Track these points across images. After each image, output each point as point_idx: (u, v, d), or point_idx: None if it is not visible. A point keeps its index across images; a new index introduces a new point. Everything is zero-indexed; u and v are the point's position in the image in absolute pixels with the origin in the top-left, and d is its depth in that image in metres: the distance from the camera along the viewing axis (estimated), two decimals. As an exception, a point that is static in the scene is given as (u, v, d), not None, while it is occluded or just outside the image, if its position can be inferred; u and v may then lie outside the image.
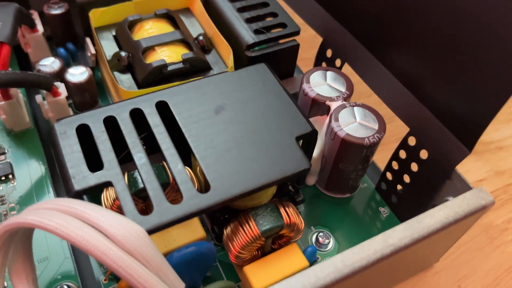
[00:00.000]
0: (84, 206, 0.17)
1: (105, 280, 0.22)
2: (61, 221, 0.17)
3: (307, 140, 0.22)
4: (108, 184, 0.19)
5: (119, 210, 0.19)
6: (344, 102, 0.23)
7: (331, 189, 0.25)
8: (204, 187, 0.20)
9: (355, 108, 0.23)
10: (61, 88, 0.25)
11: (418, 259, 0.22)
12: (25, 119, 0.26)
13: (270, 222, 0.20)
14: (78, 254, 0.23)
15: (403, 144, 0.23)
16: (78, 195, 0.18)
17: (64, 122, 0.20)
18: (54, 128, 0.20)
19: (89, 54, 0.28)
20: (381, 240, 0.17)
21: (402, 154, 0.23)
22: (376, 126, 0.22)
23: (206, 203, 0.18)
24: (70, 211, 0.17)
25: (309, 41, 0.30)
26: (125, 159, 0.20)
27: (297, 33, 0.26)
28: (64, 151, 0.19)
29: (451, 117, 0.20)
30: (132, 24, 0.26)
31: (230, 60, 0.25)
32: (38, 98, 0.25)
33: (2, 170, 0.24)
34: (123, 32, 0.26)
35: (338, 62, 0.27)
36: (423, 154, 0.22)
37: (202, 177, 0.20)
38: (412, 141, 0.23)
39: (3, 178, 0.24)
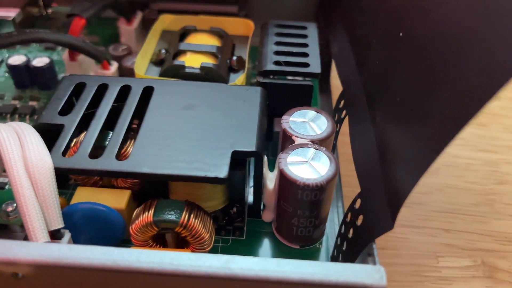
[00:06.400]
0: (27, 131, 0.21)
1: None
2: (3, 132, 0.20)
3: (245, 159, 0.21)
4: (61, 126, 0.22)
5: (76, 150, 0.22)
6: (309, 141, 0.22)
7: (279, 232, 0.23)
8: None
9: (316, 150, 0.21)
10: (113, 66, 0.30)
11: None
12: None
13: (165, 215, 0.20)
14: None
15: (351, 206, 0.20)
16: (38, 126, 0.22)
17: (73, 77, 0.25)
18: (63, 78, 0.25)
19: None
20: (224, 259, 0.16)
21: (349, 218, 0.21)
22: (323, 173, 0.20)
23: (112, 167, 0.20)
24: (17, 130, 0.21)
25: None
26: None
27: (315, 75, 0.26)
28: (54, 95, 0.24)
29: (391, 182, 0.18)
30: (187, 32, 0.30)
31: (240, 80, 0.26)
32: (95, 67, 0.30)
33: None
34: (175, 35, 0.30)
35: (343, 114, 0.25)
36: (360, 220, 0.19)
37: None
38: (358, 203, 0.20)
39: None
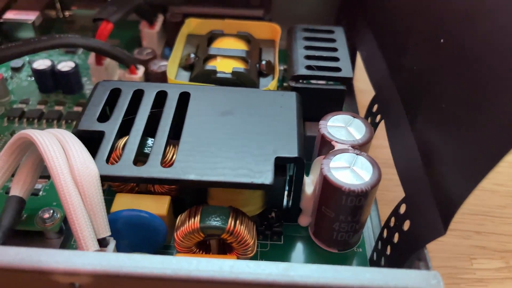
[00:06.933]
0: (69, 138, 0.20)
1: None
2: (46, 140, 0.20)
3: (287, 166, 0.22)
4: (101, 133, 0.22)
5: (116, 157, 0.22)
6: (349, 147, 0.22)
7: (317, 236, 0.23)
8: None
9: (358, 156, 0.21)
10: (140, 70, 0.30)
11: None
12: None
13: (212, 221, 0.20)
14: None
15: (395, 211, 0.21)
16: (77, 133, 0.22)
17: (107, 83, 0.25)
18: (98, 84, 0.25)
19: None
20: (282, 267, 0.16)
21: (392, 222, 0.21)
22: (367, 178, 0.20)
23: (159, 174, 0.20)
24: (59, 137, 0.20)
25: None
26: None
27: (348, 79, 0.26)
28: (90, 101, 0.23)
29: (441, 187, 0.18)
30: (214, 37, 0.30)
31: (272, 85, 0.26)
32: (121, 71, 0.30)
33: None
34: (202, 40, 0.30)
35: (378, 118, 0.25)
36: (406, 225, 0.20)
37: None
38: (403, 208, 0.20)
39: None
